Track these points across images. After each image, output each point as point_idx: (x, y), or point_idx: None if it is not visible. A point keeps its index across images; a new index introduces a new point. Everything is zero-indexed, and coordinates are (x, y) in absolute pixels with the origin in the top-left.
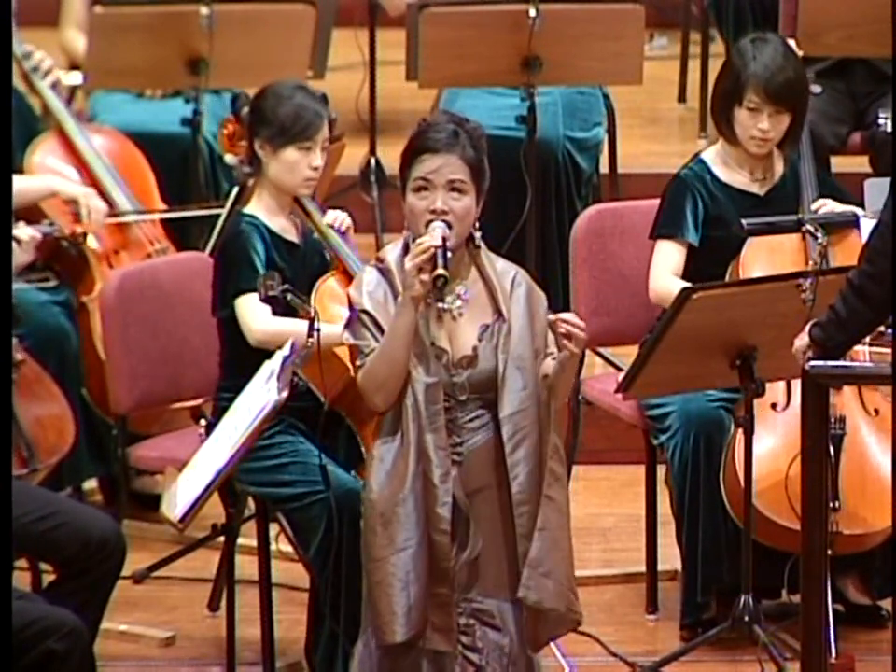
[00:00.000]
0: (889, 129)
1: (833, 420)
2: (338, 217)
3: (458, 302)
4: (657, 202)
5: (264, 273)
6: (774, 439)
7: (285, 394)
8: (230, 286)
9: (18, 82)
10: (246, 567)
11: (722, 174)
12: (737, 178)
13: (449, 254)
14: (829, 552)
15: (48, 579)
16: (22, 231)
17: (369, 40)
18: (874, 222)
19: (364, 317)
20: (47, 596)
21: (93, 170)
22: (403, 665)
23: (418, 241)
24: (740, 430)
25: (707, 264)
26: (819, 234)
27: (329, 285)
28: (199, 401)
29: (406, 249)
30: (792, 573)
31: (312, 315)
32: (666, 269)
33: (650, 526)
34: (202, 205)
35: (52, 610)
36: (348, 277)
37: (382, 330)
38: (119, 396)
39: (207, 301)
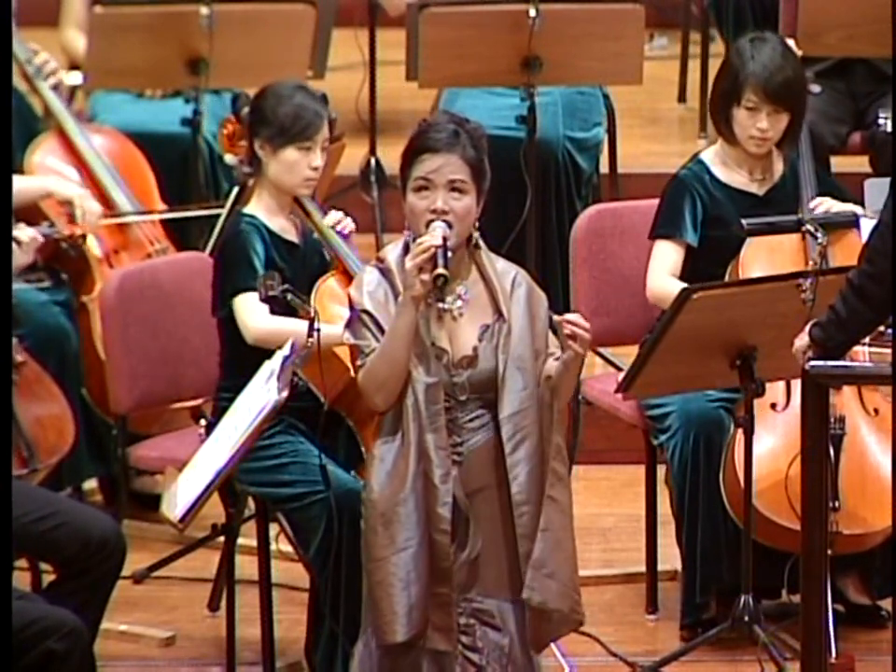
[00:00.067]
0: (889, 129)
1: (832, 420)
2: (341, 220)
3: (459, 302)
4: (657, 202)
5: (264, 272)
6: (774, 439)
7: (285, 394)
8: (228, 285)
9: (18, 82)
10: (246, 567)
11: (722, 174)
12: (737, 178)
13: (449, 254)
14: (829, 552)
15: (48, 579)
16: (23, 232)
17: (369, 40)
18: (874, 222)
19: (364, 317)
20: (47, 596)
21: (93, 170)
22: (403, 665)
23: (419, 241)
24: (740, 430)
25: (707, 264)
26: (818, 234)
27: (328, 285)
28: (199, 401)
29: (406, 249)
30: (792, 573)
31: (312, 315)
32: (664, 269)
33: (650, 526)
34: (202, 205)
35: (52, 610)
36: (348, 277)
37: (382, 330)
38: (118, 396)
39: (207, 301)
